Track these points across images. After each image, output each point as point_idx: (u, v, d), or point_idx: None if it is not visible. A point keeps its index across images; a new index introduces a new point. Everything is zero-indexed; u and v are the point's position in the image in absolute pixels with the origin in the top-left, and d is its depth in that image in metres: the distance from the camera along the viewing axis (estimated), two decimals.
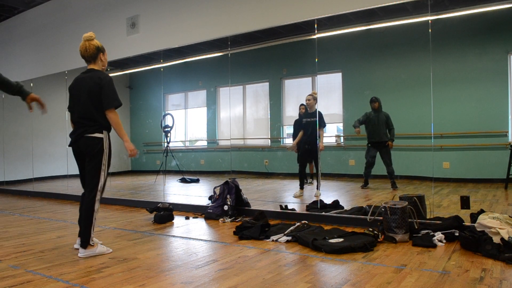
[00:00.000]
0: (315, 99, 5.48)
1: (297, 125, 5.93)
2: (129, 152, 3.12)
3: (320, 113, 5.34)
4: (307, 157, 5.68)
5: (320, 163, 5.33)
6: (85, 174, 3.16)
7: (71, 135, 3.14)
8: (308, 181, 6.14)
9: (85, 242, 3.01)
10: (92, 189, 3.03)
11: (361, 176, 5.87)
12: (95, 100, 3.04)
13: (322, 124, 5.38)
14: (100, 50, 3.16)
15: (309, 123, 5.46)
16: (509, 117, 5.36)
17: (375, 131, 5.55)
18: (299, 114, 6.07)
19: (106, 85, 3.04)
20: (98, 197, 3.04)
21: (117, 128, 3.06)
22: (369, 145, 5.59)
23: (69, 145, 3.15)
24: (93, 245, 3.05)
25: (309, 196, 5.52)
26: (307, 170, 5.99)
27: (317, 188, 5.35)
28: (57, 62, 6.92)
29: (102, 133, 3.05)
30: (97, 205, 3.04)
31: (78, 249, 3.22)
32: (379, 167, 5.50)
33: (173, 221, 4.44)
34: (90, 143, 3.02)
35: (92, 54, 3.12)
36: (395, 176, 5.47)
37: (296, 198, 5.49)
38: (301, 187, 5.63)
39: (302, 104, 6.02)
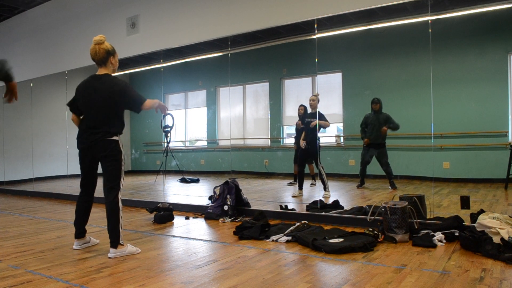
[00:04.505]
0: (318, 100, 5.52)
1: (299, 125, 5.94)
2: (164, 109, 3.20)
3: (320, 113, 5.34)
4: (307, 157, 5.68)
5: (321, 164, 5.33)
6: (90, 177, 3.21)
7: (82, 139, 3.11)
8: (311, 182, 6.14)
9: (116, 241, 3.00)
10: (114, 189, 3.05)
11: None
12: (111, 108, 3.06)
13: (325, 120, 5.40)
14: (110, 53, 3.13)
15: (310, 123, 5.47)
16: (509, 117, 5.36)
17: (373, 133, 5.56)
18: (298, 115, 6.08)
19: (127, 91, 3.09)
20: (120, 195, 3.07)
21: (149, 108, 3.14)
22: (366, 146, 5.59)
23: (79, 148, 3.15)
24: (123, 245, 3.04)
25: (309, 196, 5.52)
26: (307, 171, 5.99)
27: (325, 190, 5.33)
28: (57, 62, 6.92)
29: (118, 136, 3.10)
30: (121, 203, 3.06)
31: (77, 249, 3.23)
32: (379, 168, 5.50)
33: (173, 221, 4.44)
34: (108, 146, 3.04)
35: (102, 57, 3.10)
36: (393, 176, 5.47)
37: (295, 198, 5.49)
38: (300, 188, 5.63)
39: (301, 105, 6.02)
